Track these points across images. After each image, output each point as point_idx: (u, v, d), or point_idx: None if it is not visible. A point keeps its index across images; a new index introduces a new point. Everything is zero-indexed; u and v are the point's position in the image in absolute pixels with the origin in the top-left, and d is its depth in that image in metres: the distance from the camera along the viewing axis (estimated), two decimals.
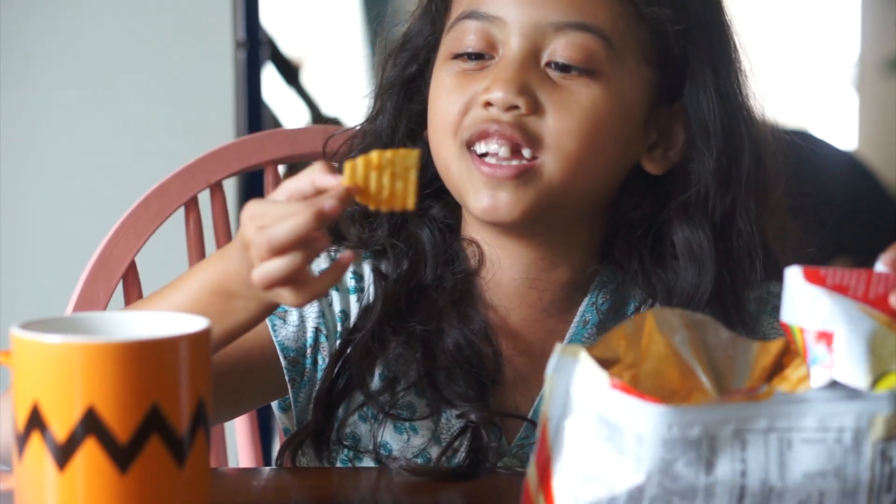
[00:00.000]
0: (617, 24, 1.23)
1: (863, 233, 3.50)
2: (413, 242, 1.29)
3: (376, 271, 1.28)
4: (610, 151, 1.23)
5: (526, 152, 1.20)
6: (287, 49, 3.58)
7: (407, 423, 1.25)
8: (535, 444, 0.93)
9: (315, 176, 1.05)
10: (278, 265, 1.03)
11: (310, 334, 1.26)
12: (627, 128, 1.24)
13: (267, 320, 1.26)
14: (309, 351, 1.26)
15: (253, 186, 1.44)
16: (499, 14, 1.23)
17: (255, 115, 2.76)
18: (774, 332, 1.27)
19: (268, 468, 1.27)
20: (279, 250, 1.03)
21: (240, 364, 1.24)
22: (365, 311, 1.26)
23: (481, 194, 1.21)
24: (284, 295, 1.05)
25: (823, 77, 5.80)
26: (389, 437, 1.25)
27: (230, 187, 2.46)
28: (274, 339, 1.26)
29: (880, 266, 0.96)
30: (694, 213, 1.25)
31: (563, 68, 1.22)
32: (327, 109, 3.62)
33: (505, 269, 1.27)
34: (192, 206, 1.54)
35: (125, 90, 2.64)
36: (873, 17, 5.58)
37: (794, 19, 5.85)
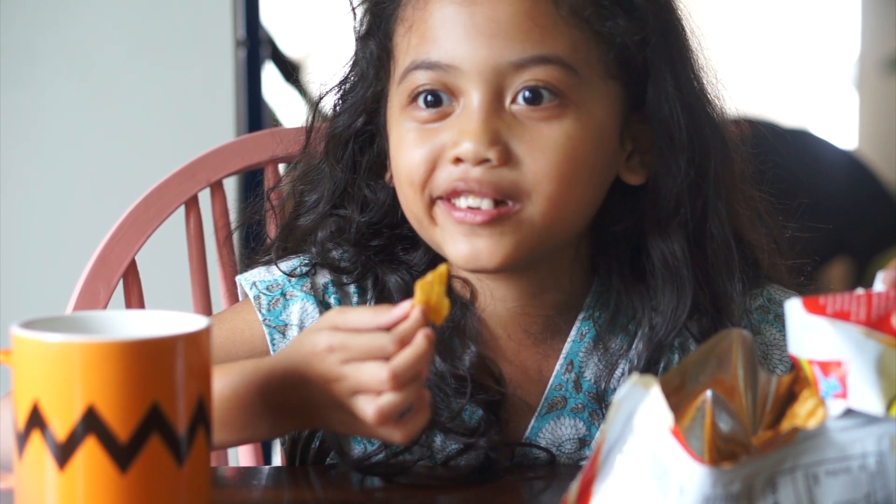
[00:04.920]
0: (577, 49, 1.18)
1: (863, 232, 3.51)
2: (387, 296, 1.26)
3: None
4: (590, 180, 1.20)
5: (509, 202, 1.17)
6: (287, 48, 3.58)
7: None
8: (585, 460, 0.93)
9: (378, 312, 1.04)
10: (401, 398, 1.03)
11: None
12: (604, 150, 1.20)
13: (266, 333, 1.26)
14: None
15: (253, 185, 1.44)
16: (453, 62, 1.17)
17: (255, 113, 2.76)
18: (776, 347, 1.27)
19: (268, 468, 1.27)
20: (403, 384, 1.03)
21: None
22: None
23: (459, 242, 1.18)
24: (391, 433, 1.05)
25: (823, 76, 5.80)
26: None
27: (230, 186, 2.46)
28: (271, 352, 1.25)
29: (879, 285, 0.95)
30: (667, 223, 1.22)
31: (530, 104, 1.17)
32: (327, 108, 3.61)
33: (498, 300, 1.25)
34: (192, 205, 1.54)
35: (125, 89, 2.65)
36: (873, 17, 5.58)
37: (794, 19, 5.85)
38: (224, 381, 1.09)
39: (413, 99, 1.20)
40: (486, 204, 1.17)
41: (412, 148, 1.19)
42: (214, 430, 1.05)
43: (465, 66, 1.17)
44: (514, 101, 1.17)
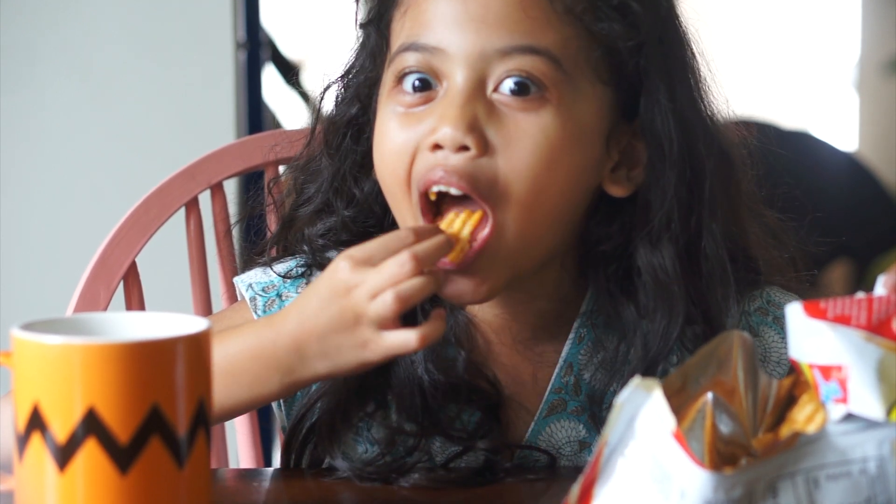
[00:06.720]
0: (566, 45, 1.16)
1: (863, 234, 3.51)
2: None
3: None
4: (567, 181, 1.18)
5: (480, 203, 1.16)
6: (287, 50, 3.58)
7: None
8: (587, 462, 0.93)
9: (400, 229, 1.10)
10: (420, 284, 1.06)
11: None
12: (585, 152, 1.19)
13: None
14: None
15: (253, 187, 1.44)
16: (440, 45, 1.17)
17: (255, 115, 2.76)
18: (774, 350, 1.27)
19: (268, 469, 1.27)
20: (422, 266, 1.06)
21: None
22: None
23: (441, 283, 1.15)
24: (407, 338, 1.07)
25: (824, 77, 5.81)
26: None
27: (231, 188, 2.47)
28: None
29: (880, 289, 0.95)
30: (658, 239, 1.20)
31: (514, 94, 1.16)
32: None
33: (486, 307, 1.25)
34: (192, 206, 1.54)
35: (125, 90, 2.65)
36: (873, 18, 5.58)
37: (795, 19, 5.85)
38: (233, 338, 1.11)
39: (399, 81, 1.20)
40: (453, 191, 1.15)
41: (393, 138, 1.19)
42: (222, 390, 1.06)
43: (451, 50, 1.17)
44: (496, 89, 1.17)
